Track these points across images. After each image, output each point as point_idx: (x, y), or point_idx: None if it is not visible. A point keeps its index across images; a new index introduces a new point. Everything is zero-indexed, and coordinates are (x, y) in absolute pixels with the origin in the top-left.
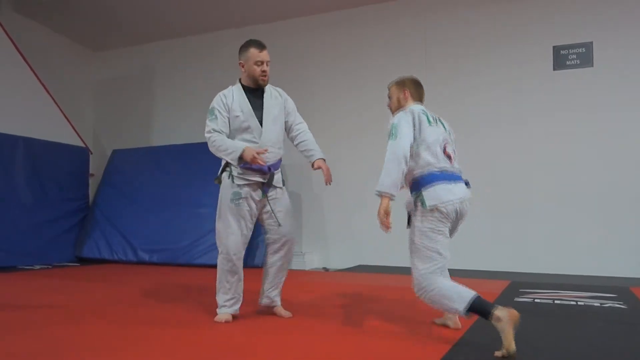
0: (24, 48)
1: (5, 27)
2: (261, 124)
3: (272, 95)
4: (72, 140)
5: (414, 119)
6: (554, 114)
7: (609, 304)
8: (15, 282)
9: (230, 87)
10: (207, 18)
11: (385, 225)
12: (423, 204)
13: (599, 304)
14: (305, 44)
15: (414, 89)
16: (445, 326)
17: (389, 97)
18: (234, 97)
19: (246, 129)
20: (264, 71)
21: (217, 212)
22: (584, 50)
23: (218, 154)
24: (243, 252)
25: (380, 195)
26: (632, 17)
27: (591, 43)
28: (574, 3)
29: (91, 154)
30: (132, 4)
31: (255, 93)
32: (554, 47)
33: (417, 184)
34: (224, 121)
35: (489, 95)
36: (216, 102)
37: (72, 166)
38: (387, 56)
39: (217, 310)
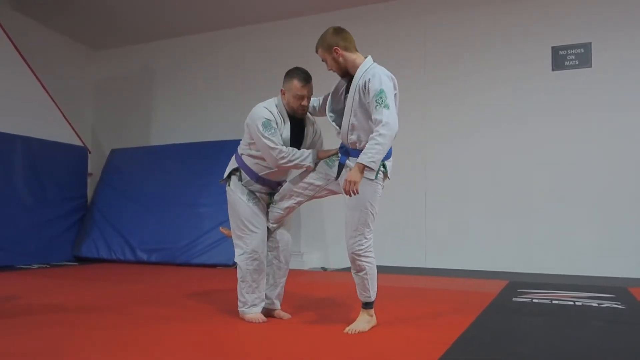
0: (22, 47)
1: (3, 25)
2: None
3: (309, 131)
4: (71, 139)
5: (394, 87)
6: (552, 114)
7: (607, 304)
8: (14, 282)
9: (272, 101)
10: (207, 17)
11: (355, 192)
12: (386, 173)
13: (597, 304)
14: (305, 44)
15: (343, 41)
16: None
17: (324, 61)
18: (279, 117)
19: None
20: (303, 106)
21: (233, 215)
22: (582, 50)
23: (287, 165)
24: (265, 249)
25: (364, 167)
26: (630, 18)
27: (590, 44)
28: (573, 4)
29: (90, 153)
30: (132, 3)
31: (294, 121)
32: (552, 47)
33: None
34: (280, 137)
35: (488, 95)
36: (267, 116)
37: (71, 165)
38: (386, 56)
39: (245, 309)
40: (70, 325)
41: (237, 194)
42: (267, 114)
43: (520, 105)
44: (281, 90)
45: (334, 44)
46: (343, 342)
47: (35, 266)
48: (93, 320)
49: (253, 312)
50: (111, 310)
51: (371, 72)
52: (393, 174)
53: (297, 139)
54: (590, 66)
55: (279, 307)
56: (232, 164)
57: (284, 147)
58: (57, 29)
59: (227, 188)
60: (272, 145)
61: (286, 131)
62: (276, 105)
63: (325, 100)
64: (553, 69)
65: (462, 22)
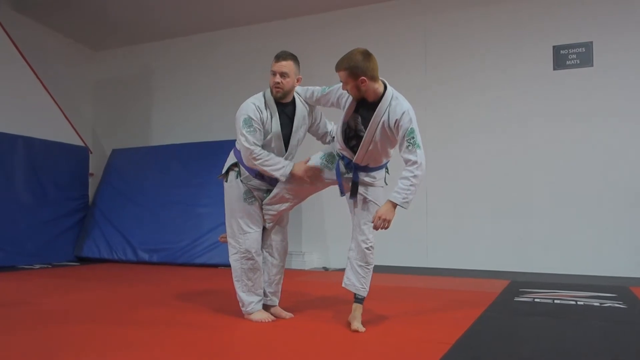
0: (23, 47)
1: (4, 25)
2: (286, 146)
3: (301, 113)
4: (72, 139)
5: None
6: (554, 113)
7: (608, 303)
8: (15, 282)
9: (261, 95)
10: (206, 18)
11: (385, 228)
12: (385, 180)
13: (598, 304)
14: (305, 44)
15: (371, 71)
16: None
17: (343, 82)
18: (267, 111)
19: (267, 146)
20: (276, 82)
21: (228, 213)
22: (584, 50)
23: (259, 168)
24: (260, 248)
25: (399, 206)
26: (632, 17)
27: (591, 43)
28: (574, 3)
29: (91, 153)
30: (132, 3)
31: (286, 108)
32: (554, 46)
33: (384, 166)
34: (260, 135)
35: (489, 94)
36: (252, 113)
37: (72, 165)
38: (387, 56)
39: (248, 310)
40: (71, 325)
41: (234, 191)
42: (251, 110)
43: (521, 104)
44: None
45: (362, 73)
46: (345, 341)
47: (37, 266)
48: (94, 320)
49: (257, 312)
50: (112, 310)
51: (398, 109)
52: (394, 174)
53: (288, 130)
54: (592, 65)
55: (277, 304)
56: (231, 159)
57: (260, 149)
58: (57, 30)
59: (225, 184)
60: (246, 144)
61: (275, 124)
62: (265, 98)
63: (325, 96)
64: (554, 68)
65: (462, 22)
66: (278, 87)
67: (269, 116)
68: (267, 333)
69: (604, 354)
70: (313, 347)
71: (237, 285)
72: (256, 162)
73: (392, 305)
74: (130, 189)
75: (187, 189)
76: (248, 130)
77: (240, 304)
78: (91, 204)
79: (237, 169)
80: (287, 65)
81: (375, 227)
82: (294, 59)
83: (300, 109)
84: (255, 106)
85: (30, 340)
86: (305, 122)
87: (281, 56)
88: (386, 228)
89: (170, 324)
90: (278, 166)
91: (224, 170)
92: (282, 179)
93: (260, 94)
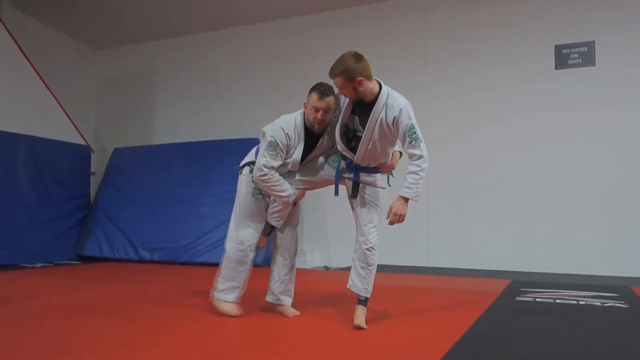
0: (25, 46)
1: (7, 24)
2: (300, 165)
3: (323, 141)
4: (74, 138)
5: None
6: (555, 113)
7: (610, 303)
8: (17, 280)
9: (293, 118)
10: (209, 16)
11: (400, 222)
12: (388, 181)
13: (600, 304)
14: (305, 43)
15: (365, 70)
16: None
17: (339, 87)
18: (295, 138)
19: (283, 165)
20: (319, 119)
21: (236, 203)
22: (586, 49)
23: (263, 187)
24: (255, 245)
25: (410, 200)
26: (634, 16)
27: (593, 42)
28: (576, 2)
29: (93, 152)
30: (134, 3)
31: (311, 135)
32: (555, 46)
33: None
34: (281, 159)
35: (491, 93)
36: (280, 139)
37: (74, 164)
38: (388, 55)
39: (215, 294)
40: (72, 324)
41: (244, 185)
42: (280, 135)
43: (523, 103)
44: (304, 103)
45: (358, 75)
46: (346, 340)
47: (39, 265)
48: (95, 319)
49: (227, 302)
50: (113, 309)
51: (395, 106)
52: (395, 173)
53: (307, 155)
54: (594, 65)
55: (287, 304)
56: (250, 157)
57: (272, 174)
58: (60, 29)
59: (239, 176)
60: (266, 162)
61: (298, 152)
62: (296, 123)
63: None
64: (556, 68)
65: (464, 21)
66: (321, 124)
67: (296, 143)
68: (268, 331)
69: (605, 354)
70: (314, 345)
71: (220, 270)
72: (263, 184)
73: (393, 304)
74: (132, 188)
75: (189, 188)
76: (270, 153)
77: (213, 287)
78: (93, 203)
79: (252, 166)
80: (330, 102)
81: (391, 222)
82: (333, 91)
83: (325, 137)
84: (284, 133)
85: (31, 339)
86: (323, 146)
87: (325, 92)
88: (401, 222)
89: (171, 322)
90: (284, 193)
91: (241, 164)
92: (284, 203)
93: (292, 117)
